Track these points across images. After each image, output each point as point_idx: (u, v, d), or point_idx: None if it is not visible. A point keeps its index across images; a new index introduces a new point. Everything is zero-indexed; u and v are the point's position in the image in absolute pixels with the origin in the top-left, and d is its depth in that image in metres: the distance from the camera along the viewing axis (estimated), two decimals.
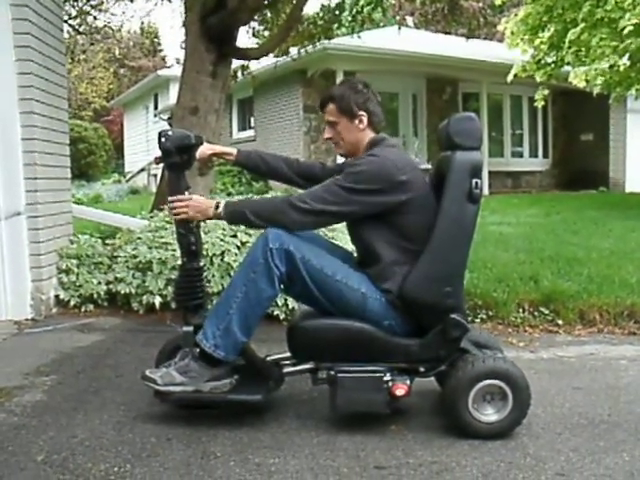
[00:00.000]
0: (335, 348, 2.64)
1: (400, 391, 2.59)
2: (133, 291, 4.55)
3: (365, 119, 2.77)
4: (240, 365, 2.72)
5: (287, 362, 2.83)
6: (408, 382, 2.62)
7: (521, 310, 4.49)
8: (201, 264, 2.83)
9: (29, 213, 4.48)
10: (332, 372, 2.63)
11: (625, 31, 8.40)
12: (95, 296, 4.70)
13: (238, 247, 4.49)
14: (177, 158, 2.74)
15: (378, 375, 2.61)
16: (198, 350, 2.63)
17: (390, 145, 2.78)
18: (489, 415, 2.60)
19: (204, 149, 2.94)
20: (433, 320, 2.64)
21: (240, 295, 2.58)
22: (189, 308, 2.76)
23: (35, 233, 4.51)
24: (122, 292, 4.58)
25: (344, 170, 2.70)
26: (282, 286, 2.63)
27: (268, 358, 2.88)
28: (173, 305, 4.47)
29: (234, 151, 3.06)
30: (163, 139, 2.71)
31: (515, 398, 2.58)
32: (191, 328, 2.68)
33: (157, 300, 4.47)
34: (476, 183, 2.62)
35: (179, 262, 4.33)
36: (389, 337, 2.64)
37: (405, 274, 2.63)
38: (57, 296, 4.74)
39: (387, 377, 2.61)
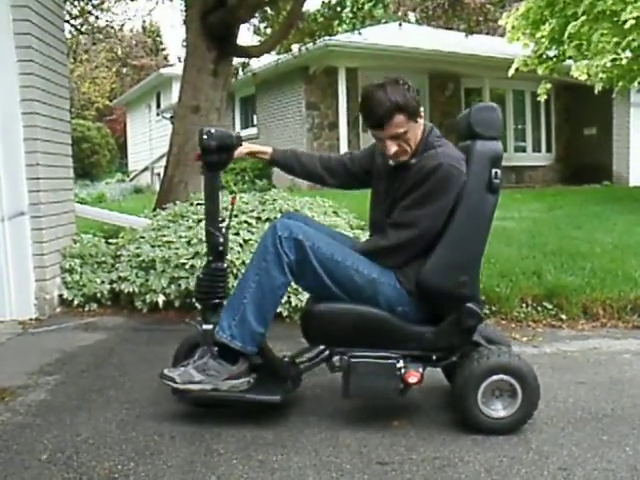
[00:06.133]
0: (349, 333, 2.64)
1: (413, 378, 2.58)
2: (136, 290, 4.55)
3: (422, 112, 2.68)
4: (258, 364, 2.72)
5: (302, 359, 2.82)
6: (421, 370, 2.62)
7: (524, 305, 4.49)
8: (225, 265, 2.81)
9: (32, 213, 4.49)
10: (345, 357, 2.63)
11: (627, 25, 8.37)
12: (99, 295, 4.71)
13: (241, 245, 4.49)
14: (216, 157, 2.74)
15: (391, 362, 2.60)
16: (216, 348, 2.63)
17: (439, 135, 2.71)
18: (497, 410, 2.60)
19: (241, 149, 2.88)
20: (448, 308, 2.63)
21: (253, 285, 2.59)
22: (209, 306, 2.76)
23: (38, 233, 4.52)
24: (125, 291, 4.59)
25: (416, 187, 2.59)
26: (292, 275, 2.61)
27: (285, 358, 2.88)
28: (177, 303, 4.49)
29: (269, 150, 3.00)
30: (205, 137, 2.70)
31: (524, 396, 2.58)
32: (210, 326, 2.67)
33: (160, 299, 4.47)
34: (496, 173, 2.61)
35: (181, 260, 4.39)
36: (403, 324, 2.63)
37: (422, 260, 2.62)
38: (61, 295, 4.75)
39: (400, 364, 2.59)
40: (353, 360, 2.61)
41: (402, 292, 2.63)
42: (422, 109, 2.65)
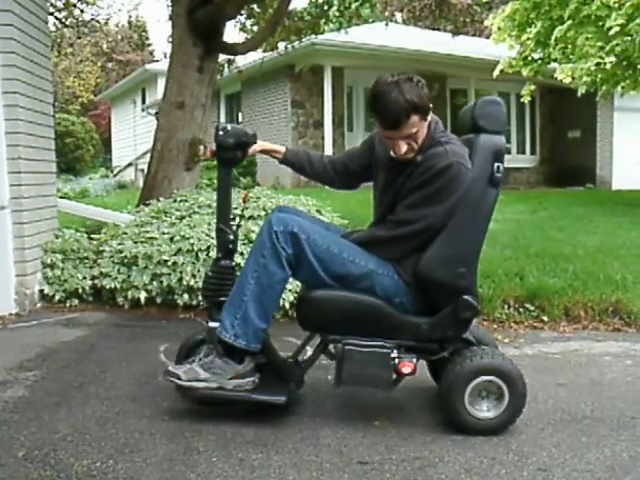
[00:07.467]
0: (344, 320, 2.63)
1: (407, 369, 2.58)
2: (118, 286, 4.52)
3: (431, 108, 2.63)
4: (262, 364, 2.70)
5: (304, 358, 2.83)
6: (415, 360, 2.61)
7: (506, 306, 4.50)
8: (234, 263, 2.79)
9: (13, 207, 4.45)
10: (339, 345, 2.61)
11: (611, 31, 8.43)
12: (80, 291, 4.68)
13: None
14: (232, 154, 2.72)
15: (386, 351, 2.59)
16: (222, 347, 2.61)
17: (443, 130, 2.67)
18: (483, 411, 2.60)
19: (255, 146, 2.85)
20: (445, 300, 2.63)
21: (252, 281, 2.57)
22: (216, 304, 2.73)
23: (19, 227, 4.48)
24: (107, 287, 4.55)
25: (420, 187, 2.57)
26: (291, 269, 2.58)
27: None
28: (158, 300, 4.47)
29: (282, 149, 2.99)
30: (221, 133, 2.68)
31: (511, 400, 2.59)
32: (217, 324, 2.64)
33: (142, 295, 4.44)
34: (498, 167, 2.61)
35: (164, 257, 4.36)
36: (399, 314, 2.63)
37: (420, 252, 2.62)
38: (42, 291, 4.71)
39: (394, 354, 2.59)
40: (347, 347, 2.59)
41: (400, 283, 2.63)
42: (431, 105, 2.59)
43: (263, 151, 2.96)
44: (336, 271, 2.60)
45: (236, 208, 3.00)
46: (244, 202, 3.00)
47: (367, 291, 2.62)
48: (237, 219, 2.84)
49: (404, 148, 2.57)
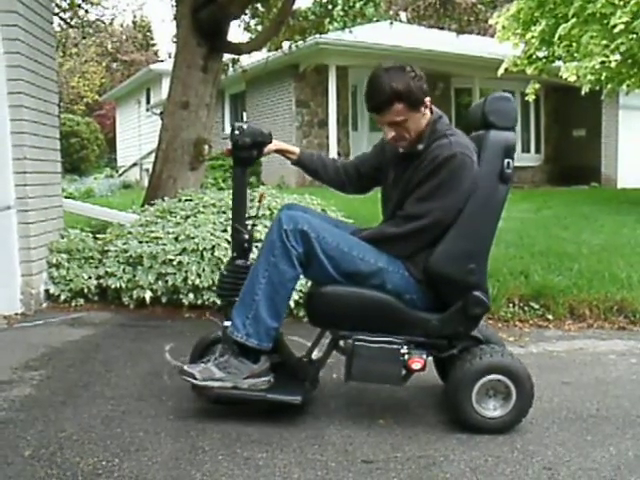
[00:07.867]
0: (354, 316, 2.63)
1: (417, 365, 2.58)
2: (123, 285, 4.53)
3: (429, 102, 2.63)
4: (276, 363, 2.71)
5: (318, 357, 2.83)
6: (424, 356, 2.61)
7: (511, 305, 4.50)
8: (249, 263, 2.78)
9: (19, 207, 4.47)
10: (349, 340, 2.62)
11: (616, 29, 8.41)
12: (85, 290, 4.69)
13: (228, 241, 4.46)
14: (247, 153, 2.73)
15: (396, 347, 2.59)
16: (237, 346, 2.61)
17: (448, 123, 2.68)
18: (490, 410, 2.60)
19: (270, 145, 2.87)
20: (455, 296, 2.63)
21: (263, 280, 2.57)
22: (231, 303, 2.72)
23: (25, 227, 4.50)
24: (112, 286, 4.56)
25: (423, 181, 2.58)
26: (302, 267, 2.58)
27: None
28: (164, 299, 4.48)
29: (297, 150, 3.01)
30: (237, 132, 2.69)
31: (518, 398, 2.59)
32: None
33: (147, 294, 4.45)
34: (508, 163, 2.61)
35: (169, 256, 4.37)
36: (409, 310, 2.63)
37: (430, 249, 2.62)
38: (47, 290, 4.72)
39: (404, 349, 2.59)
40: (357, 343, 2.60)
41: (410, 280, 2.63)
42: (428, 99, 2.61)
43: (278, 151, 2.97)
44: (346, 269, 2.60)
45: (252, 207, 3.01)
46: (260, 202, 2.99)
47: (377, 288, 2.62)
48: (252, 219, 2.83)
49: (390, 134, 2.62)
